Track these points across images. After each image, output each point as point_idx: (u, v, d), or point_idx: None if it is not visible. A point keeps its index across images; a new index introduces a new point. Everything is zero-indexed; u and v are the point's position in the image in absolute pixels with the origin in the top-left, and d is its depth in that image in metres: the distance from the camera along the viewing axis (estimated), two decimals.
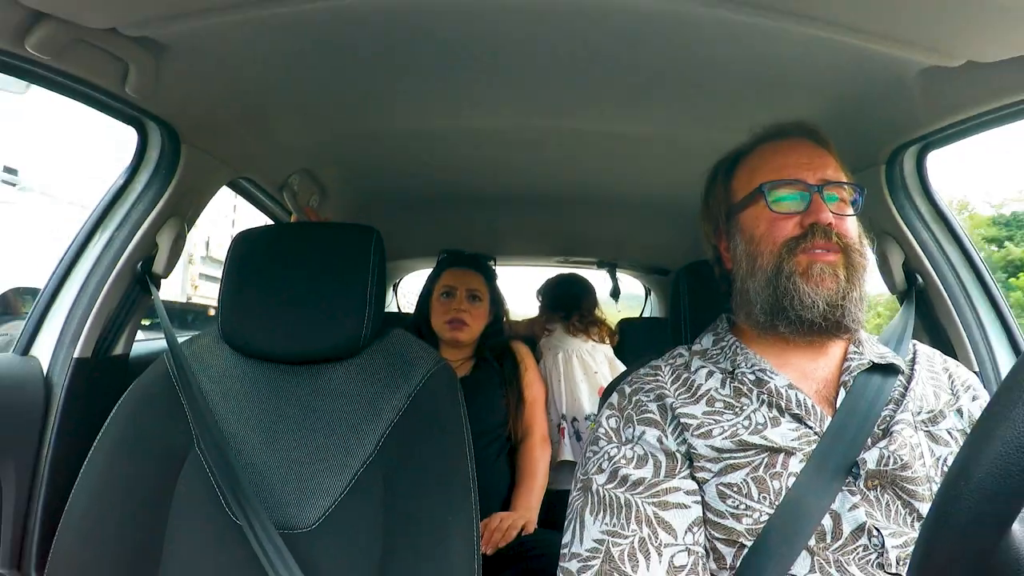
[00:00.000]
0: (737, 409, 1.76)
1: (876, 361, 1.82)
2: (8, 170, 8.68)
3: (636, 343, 5.06)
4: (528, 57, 2.41)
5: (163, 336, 2.40)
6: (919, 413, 1.78)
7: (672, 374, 1.92)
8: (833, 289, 1.75)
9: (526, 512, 3.42)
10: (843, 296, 1.76)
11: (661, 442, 1.75)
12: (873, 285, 2.02)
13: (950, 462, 1.69)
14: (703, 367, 1.90)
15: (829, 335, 1.81)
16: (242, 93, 2.65)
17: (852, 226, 1.84)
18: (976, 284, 2.70)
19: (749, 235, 1.89)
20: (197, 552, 2.04)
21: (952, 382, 1.91)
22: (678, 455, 1.73)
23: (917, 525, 1.62)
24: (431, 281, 3.96)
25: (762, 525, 1.61)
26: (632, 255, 6.01)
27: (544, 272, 5.53)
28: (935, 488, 1.65)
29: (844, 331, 1.80)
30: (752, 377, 1.80)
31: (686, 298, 2.32)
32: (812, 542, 1.58)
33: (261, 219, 3.96)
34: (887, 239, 2.82)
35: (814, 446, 1.67)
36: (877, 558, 1.56)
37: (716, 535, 1.65)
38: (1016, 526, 0.80)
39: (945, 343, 2.71)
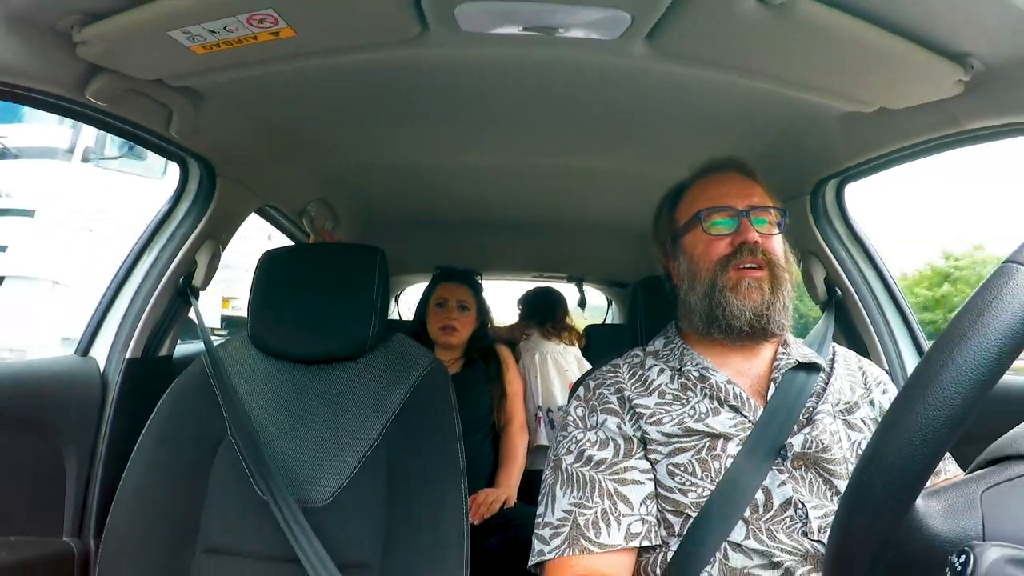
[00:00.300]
0: (683, 401, 1.78)
1: (801, 360, 1.84)
2: None
3: (600, 346, 5.05)
4: (511, 106, 2.44)
5: (201, 340, 2.41)
6: (837, 404, 1.81)
7: (629, 371, 1.93)
8: (758, 301, 1.78)
9: (507, 489, 3.47)
10: (767, 307, 1.79)
11: (620, 428, 1.77)
12: None
13: (864, 446, 1.72)
14: (655, 365, 1.92)
15: (757, 339, 1.84)
16: (268, 134, 2.66)
17: (777, 244, 1.87)
18: (886, 296, 2.73)
19: (690, 255, 1.92)
20: (230, 523, 2.06)
21: (866, 378, 1.95)
22: (634, 439, 1.75)
23: (835, 499, 1.65)
24: (427, 293, 3.97)
25: (705, 499, 1.64)
26: (596, 271, 6.04)
27: (523, 285, 5.54)
28: (851, 468, 1.68)
29: (770, 336, 1.84)
30: (696, 374, 1.82)
31: (641, 307, 2.34)
32: (747, 513, 1.61)
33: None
34: (811, 258, 2.84)
35: (748, 432, 1.70)
36: (802, 527, 1.59)
37: (666, 507, 1.68)
38: (919, 501, 0.80)
39: (860, 345, 2.73)
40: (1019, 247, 0.77)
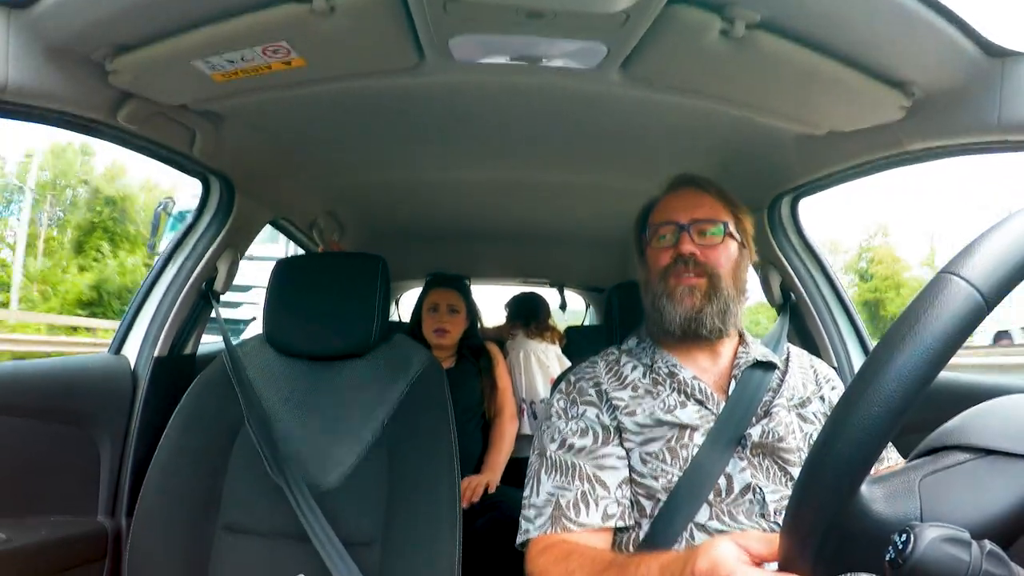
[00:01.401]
0: (654, 394, 1.80)
1: (759, 359, 1.86)
2: None
3: (580, 345, 5.04)
4: (499, 127, 2.46)
5: (221, 340, 2.42)
6: (792, 399, 1.83)
7: (606, 367, 1.94)
8: (690, 306, 1.80)
9: (490, 473, 3.49)
10: (699, 311, 1.80)
11: (598, 418, 1.79)
12: None
13: (815, 437, 1.73)
14: (629, 362, 1.93)
15: (701, 340, 1.86)
16: (282, 153, 2.67)
17: (719, 253, 1.86)
18: (836, 300, 2.75)
19: (648, 267, 1.94)
20: (247, 503, 2.09)
21: (816, 375, 1.97)
22: (611, 428, 1.77)
23: (790, 484, 1.67)
24: (421, 298, 3.97)
25: (674, 484, 1.65)
26: (575, 277, 6.06)
27: (510, 289, 5.55)
28: (804, 456, 1.68)
29: (702, 339, 1.85)
30: (666, 370, 1.84)
31: (616, 310, 2.34)
32: (711, 497, 1.63)
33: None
34: (768, 266, 2.86)
35: (712, 424, 1.72)
36: (759, 509, 1.62)
37: (639, 491, 1.69)
38: (864, 487, 0.81)
39: (812, 345, 2.74)
40: (953, 259, 0.77)
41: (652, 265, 1.90)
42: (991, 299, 0.73)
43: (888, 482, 0.85)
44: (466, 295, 3.96)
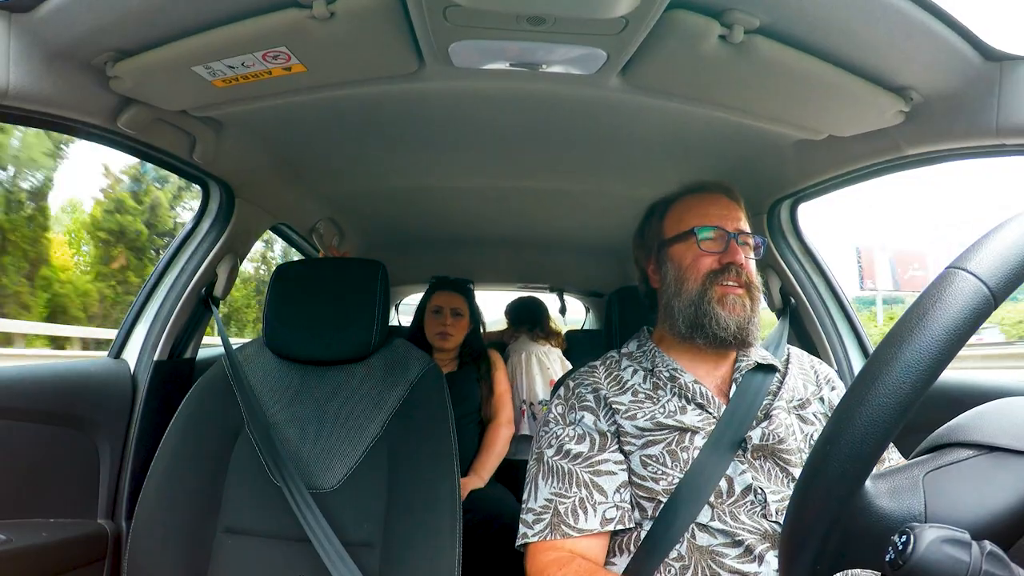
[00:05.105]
0: (655, 399, 1.80)
1: (759, 362, 1.87)
2: None
3: (580, 349, 5.10)
4: (499, 134, 2.46)
5: (221, 344, 2.42)
6: (792, 401, 1.84)
7: (606, 372, 1.95)
8: (742, 315, 1.80)
9: (476, 476, 3.49)
10: (748, 320, 1.81)
11: (596, 424, 1.79)
12: None
13: (815, 437, 1.74)
14: (630, 366, 1.93)
15: (736, 348, 1.86)
16: (282, 159, 2.68)
17: (753, 267, 1.88)
18: (835, 303, 2.76)
19: (678, 264, 1.91)
20: (247, 506, 2.09)
21: (817, 377, 1.97)
22: (608, 434, 1.78)
23: (791, 485, 1.67)
24: (424, 301, 3.95)
25: (675, 486, 1.66)
26: (575, 282, 6.06)
27: (511, 294, 5.57)
28: (804, 457, 1.71)
29: (747, 347, 1.85)
30: (667, 374, 1.84)
31: (616, 315, 2.36)
32: (712, 498, 1.63)
33: None
34: (768, 270, 2.86)
35: (713, 426, 1.72)
36: (761, 510, 1.62)
37: (640, 494, 1.70)
38: (868, 482, 0.81)
39: (812, 347, 2.74)
40: (960, 254, 0.77)
41: (690, 265, 1.88)
42: (998, 293, 0.73)
43: (892, 477, 0.85)
44: (470, 298, 3.96)
